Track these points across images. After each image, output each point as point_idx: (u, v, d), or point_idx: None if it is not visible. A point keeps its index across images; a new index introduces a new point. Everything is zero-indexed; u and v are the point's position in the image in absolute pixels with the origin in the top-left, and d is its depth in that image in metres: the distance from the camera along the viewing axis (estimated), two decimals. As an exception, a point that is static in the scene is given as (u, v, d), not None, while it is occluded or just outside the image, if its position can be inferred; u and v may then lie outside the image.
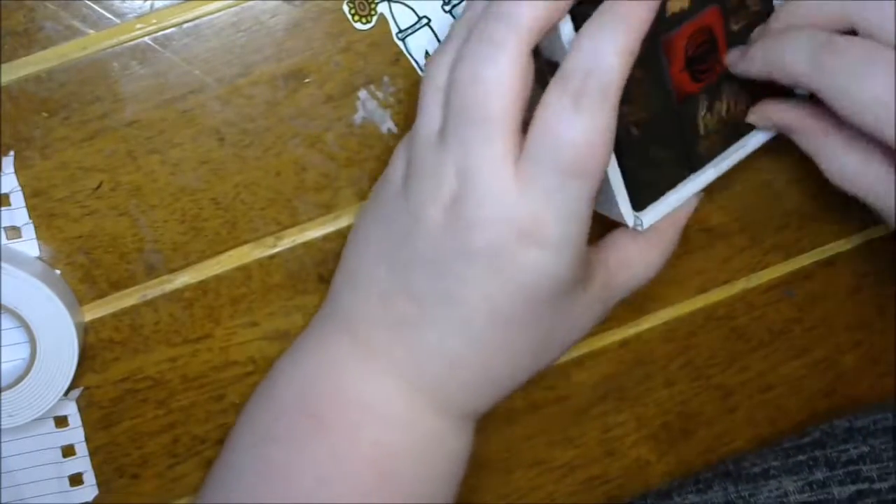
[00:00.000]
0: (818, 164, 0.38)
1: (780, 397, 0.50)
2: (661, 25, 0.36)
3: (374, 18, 0.41)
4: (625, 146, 0.37)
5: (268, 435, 0.38)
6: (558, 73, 0.33)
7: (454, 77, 0.33)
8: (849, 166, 0.37)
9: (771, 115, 0.40)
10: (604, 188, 0.37)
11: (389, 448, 0.37)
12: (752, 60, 0.37)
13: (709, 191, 0.46)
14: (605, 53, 0.32)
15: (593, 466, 0.49)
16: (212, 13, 0.40)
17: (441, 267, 0.35)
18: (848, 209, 0.48)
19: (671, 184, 0.40)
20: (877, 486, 0.44)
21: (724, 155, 0.41)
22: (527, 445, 0.48)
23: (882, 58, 0.33)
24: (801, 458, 0.46)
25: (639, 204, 0.39)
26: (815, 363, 0.50)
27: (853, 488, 0.44)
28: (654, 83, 0.37)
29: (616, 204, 0.38)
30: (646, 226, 0.39)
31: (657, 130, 0.38)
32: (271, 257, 0.43)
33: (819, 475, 0.45)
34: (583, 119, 0.32)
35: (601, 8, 0.33)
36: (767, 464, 0.46)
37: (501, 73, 0.32)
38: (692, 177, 0.40)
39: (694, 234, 0.47)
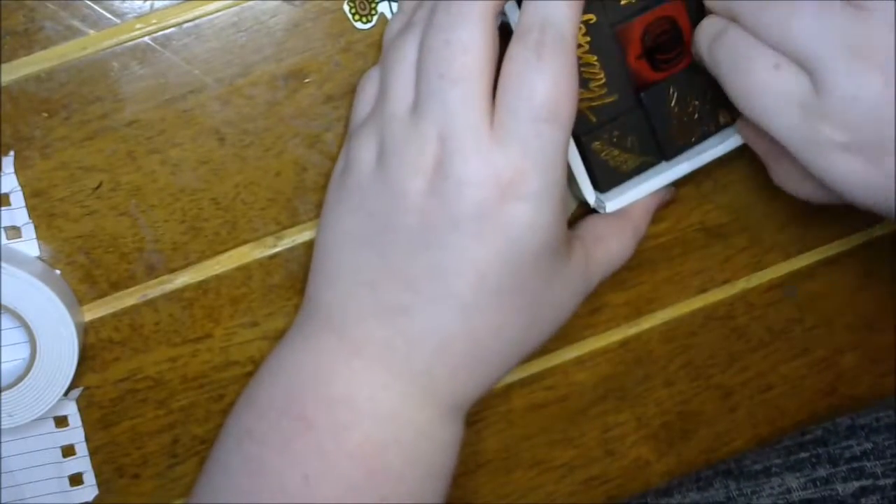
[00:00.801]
0: (768, 173, 0.40)
1: (780, 397, 0.50)
2: (616, 15, 0.38)
3: (375, 18, 0.41)
4: (582, 130, 0.39)
5: (253, 435, 0.38)
6: (517, 30, 0.35)
7: (426, 46, 0.35)
8: (791, 172, 0.38)
9: (739, 125, 0.41)
10: (569, 171, 0.39)
11: (378, 444, 0.37)
12: (693, 47, 0.38)
13: (708, 191, 0.47)
14: (556, 6, 0.34)
15: (593, 466, 0.49)
16: (212, 13, 0.40)
17: (428, 238, 0.35)
18: (848, 209, 0.48)
19: (638, 170, 0.41)
20: (881, 482, 0.43)
21: (699, 148, 0.41)
22: (526, 445, 0.48)
23: (757, 52, 0.34)
24: (802, 455, 0.46)
25: (602, 186, 0.40)
26: (815, 363, 0.50)
27: (857, 484, 0.44)
28: (610, 69, 0.39)
29: (577, 184, 0.40)
30: (609, 209, 0.41)
31: (618, 116, 0.40)
32: (271, 257, 0.43)
33: (822, 472, 0.45)
34: (547, 66, 0.34)
35: None
36: (769, 461, 0.46)
37: (472, 33, 0.34)
38: (664, 166, 0.41)
39: (694, 234, 0.47)
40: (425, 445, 0.38)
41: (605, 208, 0.41)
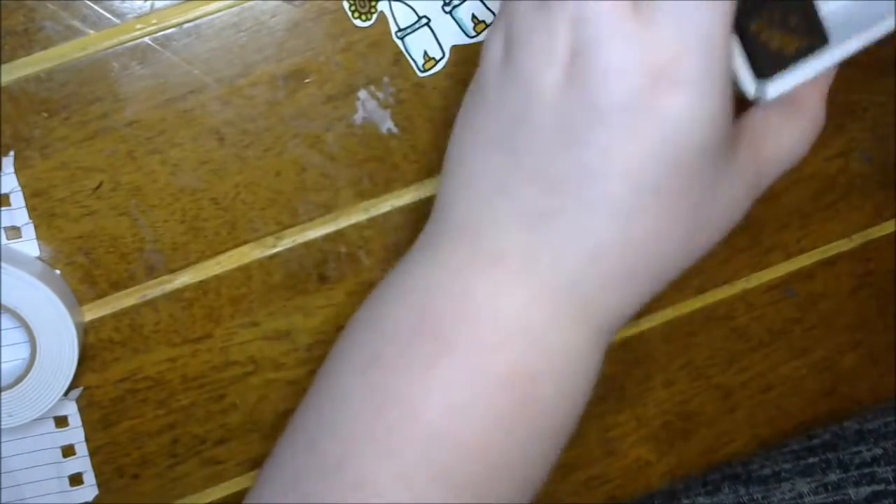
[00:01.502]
0: None
1: (780, 397, 0.50)
2: None
3: (374, 16, 0.41)
4: (742, 8, 0.33)
5: (379, 360, 0.33)
6: None
7: None
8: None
9: None
10: None
11: (529, 368, 0.32)
12: None
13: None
14: None
15: (593, 466, 0.49)
16: (212, 13, 0.40)
17: (570, 136, 0.31)
18: (848, 209, 0.48)
19: (802, 53, 0.35)
20: (893, 487, 0.43)
21: (867, 22, 0.36)
22: (527, 445, 0.48)
23: None
24: (812, 460, 0.45)
25: (764, 72, 0.35)
26: (815, 363, 0.50)
27: (869, 489, 0.43)
28: None
29: (735, 70, 0.34)
30: (770, 96, 0.35)
31: None
32: (271, 257, 0.43)
33: (833, 477, 0.44)
34: None
35: None
36: (778, 466, 0.46)
37: None
38: (827, 47, 0.36)
39: (694, 234, 0.47)
40: (577, 372, 0.34)
41: (766, 95, 0.35)
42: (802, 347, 0.50)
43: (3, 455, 0.42)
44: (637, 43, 0.30)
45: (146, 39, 0.40)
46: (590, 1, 0.30)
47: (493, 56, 0.33)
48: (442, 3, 0.42)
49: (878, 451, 0.44)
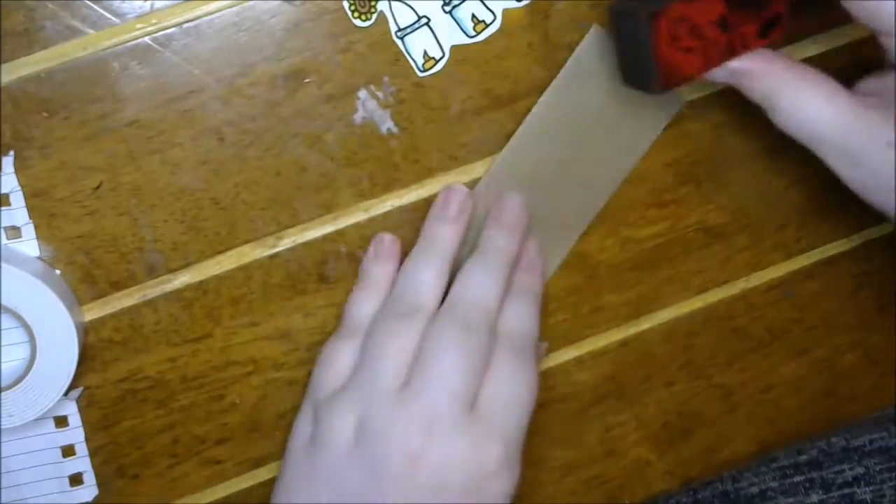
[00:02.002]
0: (771, 107, 0.37)
1: (780, 397, 0.50)
2: None
3: (374, 16, 0.41)
4: None
5: None
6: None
7: (436, 338, 0.39)
8: (810, 108, 0.36)
9: (728, 65, 0.38)
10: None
11: None
12: None
13: (708, 191, 0.47)
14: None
15: (593, 466, 0.49)
16: (212, 13, 0.40)
17: None
18: (848, 209, 0.48)
19: None
20: None
21: None
22: (527, 445, 0.48)
23: None
24: (798, 478, 0.46)
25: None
26: (815, 363, 0.50)
27: None
28: None
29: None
30: None
31: None
32: (271, 257, 0.43)
33: (814, 497, 0.45)
34: (520, 372, 0.40)
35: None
36: (765, 484, 0.46)
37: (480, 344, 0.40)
38: None
39: (694, 234, 0.47)
40: None
41: None
42: (802, 347, 0.50)
43: (3, 455, 0.42)
44: (472, 441, 0.38)
45: (146, 39, 0.40)
46: (445, 403, 0.37)
47: (341, 436, 0.38)
48: (442, 2, 0.42)
49: (861, 470, 0.45)
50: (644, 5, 0.37)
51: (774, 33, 0.39)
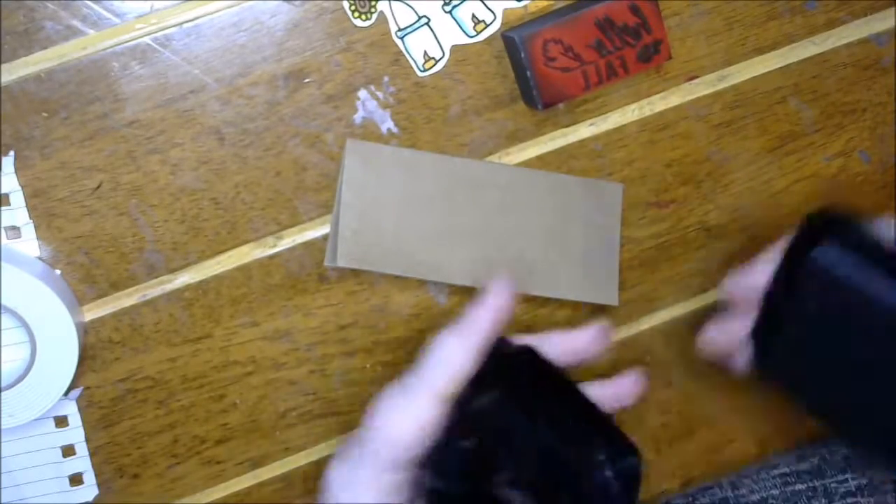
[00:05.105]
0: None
1: (781, 397, 0.50)
2: None
3: (374, 16, 0.41)
4: None
5: None
6: None
7: None
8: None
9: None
10: None
11: None
12: None
13: (708, 191, 0.47)
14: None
15: (593, 466, 0.49)
16: (212, 13, 0.40)
17: None
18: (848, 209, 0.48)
19: None
20: None
21: None
22: (527, 445, 0.48)
23: None
24: (799, 486, 0.46)
25: None
26: (815, 363, 0.50)
27: None
28: None
29: None
30: None
31: None
32: (271, 257, 0.43)
33: None
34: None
35: None
36: (766, 492, 0.46)
37: None
38: None
39: (694, 234, 0.47)
40: None
41: None
42: (802, 347, 0.50)
43: (3, 455, 0.42)
44: None
45: (146, 39, 0.40)
46: None
47: None
48: (442, 2, 0.42)
49: (864, 480, 0.45)
50: (525, 29, 0.41)
51: (657, 58, 0.42)
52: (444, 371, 0.36)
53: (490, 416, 0.36)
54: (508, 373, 0.37)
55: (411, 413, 0.36)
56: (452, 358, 0.36)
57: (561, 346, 0.40)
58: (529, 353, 0.39)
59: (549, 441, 0.36)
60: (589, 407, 0.38)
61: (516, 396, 0.37)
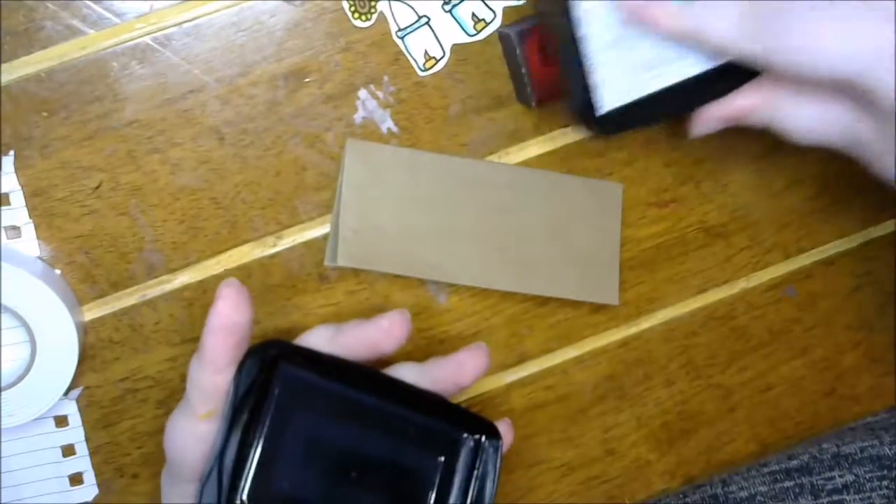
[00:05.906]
0: (780, 130, 0.38)
1: (780, 397, 0.50)
2: None
3: (374, 16, 0.41)
4: None
5: None
6: None
7: None
8: (812, 119, 0.37)
9: (714, 115, 0.39)
10: None
11: None
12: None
13: (708, 191, 0.47)
14: None
15: (593, 466, 0.49)
16: (212, 13, 0.40)
17: None
18: (847, 209, 0.48)
19: None
20: None
21: None
22: (526, 445, 0.48)
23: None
24: (787, 484, 0.46)
25: None
26: (815, 363, 0.50)
27: None
28: None
29: None
30: None
31: None
32: (271, 257, 0.43)
33: (803, 503, 0.45)
34: None
35: None
36: (755, 489, 0.47)
37: None
38: None
39: (694, 234, 0.47)
40: None
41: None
42: (802, 347, 0.50)
43: (3, 455, 0.42)
44: None
45: (146, 39, 0.40)
46: None
47: None
48: (442, 2, 0.42)
49: (850, 477, 0.45)
50: (520, 26, 0.41)
51: None
52: (196, 393, 0.37)
53: (270, 422, 0.35)
54: (275, 376, 0.36)
55: (187, 432, 0.37)
56: (195, 378, 0.37)
57: (354, 337, 0.38)
58: (295, 351, 0.37)
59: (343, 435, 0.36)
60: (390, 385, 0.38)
61: (290, 396, 0.36)
